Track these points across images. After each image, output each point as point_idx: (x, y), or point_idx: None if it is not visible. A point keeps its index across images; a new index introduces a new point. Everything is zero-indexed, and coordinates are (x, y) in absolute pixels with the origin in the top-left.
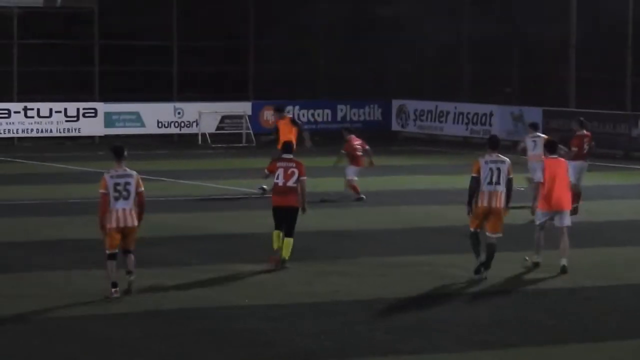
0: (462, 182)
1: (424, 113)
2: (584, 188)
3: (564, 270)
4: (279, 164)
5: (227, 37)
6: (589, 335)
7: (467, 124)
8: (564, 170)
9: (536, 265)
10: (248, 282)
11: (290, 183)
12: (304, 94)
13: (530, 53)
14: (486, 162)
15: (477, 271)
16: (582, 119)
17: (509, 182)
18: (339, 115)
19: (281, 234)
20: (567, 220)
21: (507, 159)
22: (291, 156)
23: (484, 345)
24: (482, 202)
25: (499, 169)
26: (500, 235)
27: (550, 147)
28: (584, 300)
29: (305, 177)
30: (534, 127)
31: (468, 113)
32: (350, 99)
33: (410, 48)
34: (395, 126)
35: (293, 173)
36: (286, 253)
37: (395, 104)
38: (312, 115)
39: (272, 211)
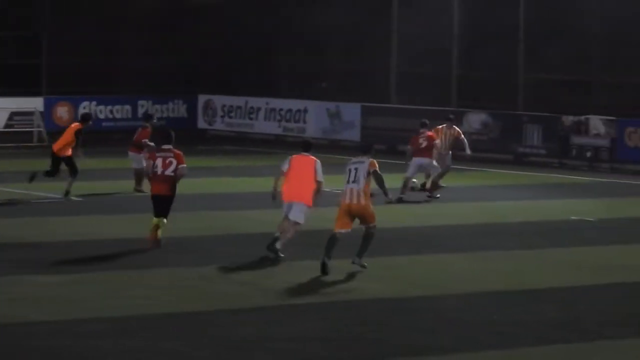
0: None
1: (233, 109)
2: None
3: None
4: (157, 154)
5: (18, 27)
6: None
7: (279, 121)
8: (308, 166)
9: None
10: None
11: (168, 172)
12: (102, 89)
13: (350, 47)
14: (351, 163)
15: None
16: (425, 120)
17: (375, 175)
18: (140, 111)
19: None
20: (295, 215)
21: (367, 160)
22: (170, 147)
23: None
24: (344, 199)
25: (357, 169)
26: (373, 224)
27: (304, 147)
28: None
29: (184, 165)
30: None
31: (281, 109)
32: (152, 95)
33: (218, 39)
34: (201, 124)
35: (171, 163)
36: (161, 233)
37: (202, 99)
38: (111, 111)
39: (151, 198)
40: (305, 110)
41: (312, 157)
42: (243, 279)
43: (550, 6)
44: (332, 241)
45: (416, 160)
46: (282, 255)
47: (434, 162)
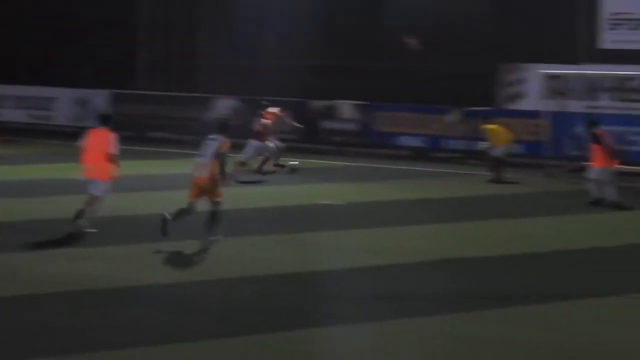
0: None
1: None
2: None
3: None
4: None
5: None
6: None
7: (28, 109)
8: (101, 141)
9: None
10: None
11: None
12: None
13: (100, 35)
14: (206, 139)
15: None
16: (264, 102)
17: (220, 156)
18: None
19: None
20: (96, 190)
21: (220, 138)
22: None
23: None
24: (194, 172)
25: (208, 144)
26: (216, 202)
27: (100, 120)
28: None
29: None
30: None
31: (29, 97)
32: None
33: None
34: None
35: None
36: None
37: None
38: None
39: None
40: (55, 99)
41: (108, 131)
42: None
43: None
44: (183, 211)
45: (252, 143)
46: (93, 230)
47: (269, 144)
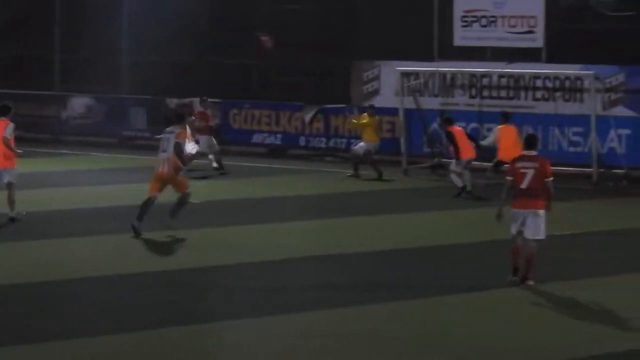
0: None
1: None
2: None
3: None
4: None
5: None
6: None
7: None
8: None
9: None
10: None
11: None
12: None
13: None
14: (164, 133)
15: (135, 229)
16: (205, 97)
17: (176, 146)
18: None
19: None
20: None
21: (177, 129)
22: None
23: None
24: (157, 167)
25: (168, 139)
26: (186, 192)
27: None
28: None
29: None
30: None
31: None
32: None
33: None
34: None
35: None
36: None
37: None
38: None
39: None
40: None
41: (6, 120)
42: None
43: None
44: (145, 205)
45: (202, 138)
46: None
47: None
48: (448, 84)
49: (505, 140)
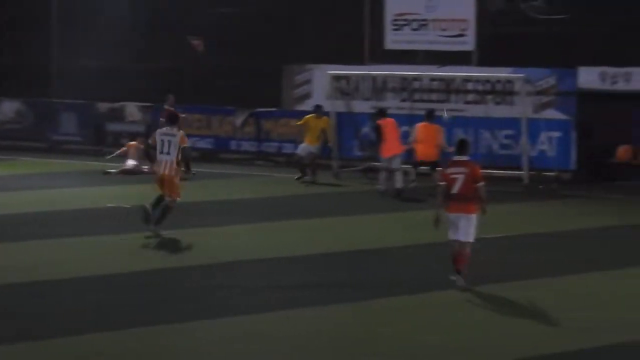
0: None
1: None
2: None
3: None
4: None
5: None
6: None
7: None
8: None
9: None
10: None
11: None
12: None
13: None
14: (159, 134)
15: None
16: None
17: (184, 151)
18: None
19: None
20: None
21: (178, 133)
22: None
23: None
24: (158, 169)
25: (169, 141)
26: (173, 199)
27: None
28: None
29: None
30: None
31: None
32: None
33: None
34: None
35: None
36: None
37: None
38: None
39: None
40: None
41: None
42: None
43: None
44: (158, 199)
45: None
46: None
47: None
48: (379, 88)
49: (425, 138)
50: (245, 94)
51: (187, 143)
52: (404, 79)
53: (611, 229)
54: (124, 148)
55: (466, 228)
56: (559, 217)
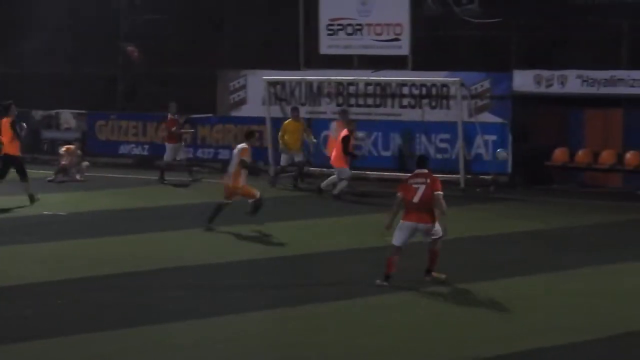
0: None
1: None
2: None
3: None
4: None
5: None
6: None
7: None
8: None
9: None
10: None
11: None
12: None
13: None
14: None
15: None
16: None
17: (241, 162)
18: None
19: None
20: None
21: (241, 146)
22: None
23: None
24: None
25: (233, 155)
26: (257, 197)
27: None
28: None
29: None
30: None
31: None
32: None
33: None
34: None
35: None
36: None
37: None
38: None
39: None
40: None
41: None
42: None
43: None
44: (217, 209)
45: (168, 146)
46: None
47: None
48: (315, 93)
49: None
50: (180, 100)
51: (249, 156)
52: (339, 83)
53: (544, 232)
54: (63, 162)
55: (429, 230)
56: (496, 220)
